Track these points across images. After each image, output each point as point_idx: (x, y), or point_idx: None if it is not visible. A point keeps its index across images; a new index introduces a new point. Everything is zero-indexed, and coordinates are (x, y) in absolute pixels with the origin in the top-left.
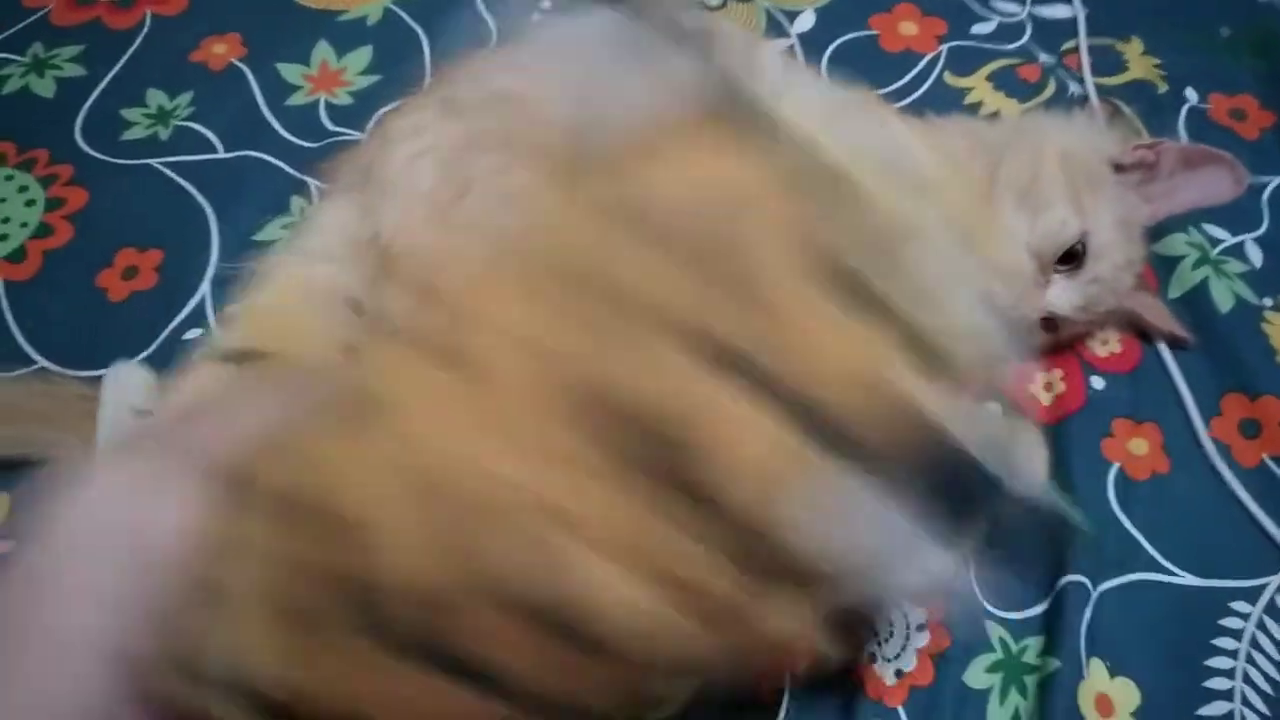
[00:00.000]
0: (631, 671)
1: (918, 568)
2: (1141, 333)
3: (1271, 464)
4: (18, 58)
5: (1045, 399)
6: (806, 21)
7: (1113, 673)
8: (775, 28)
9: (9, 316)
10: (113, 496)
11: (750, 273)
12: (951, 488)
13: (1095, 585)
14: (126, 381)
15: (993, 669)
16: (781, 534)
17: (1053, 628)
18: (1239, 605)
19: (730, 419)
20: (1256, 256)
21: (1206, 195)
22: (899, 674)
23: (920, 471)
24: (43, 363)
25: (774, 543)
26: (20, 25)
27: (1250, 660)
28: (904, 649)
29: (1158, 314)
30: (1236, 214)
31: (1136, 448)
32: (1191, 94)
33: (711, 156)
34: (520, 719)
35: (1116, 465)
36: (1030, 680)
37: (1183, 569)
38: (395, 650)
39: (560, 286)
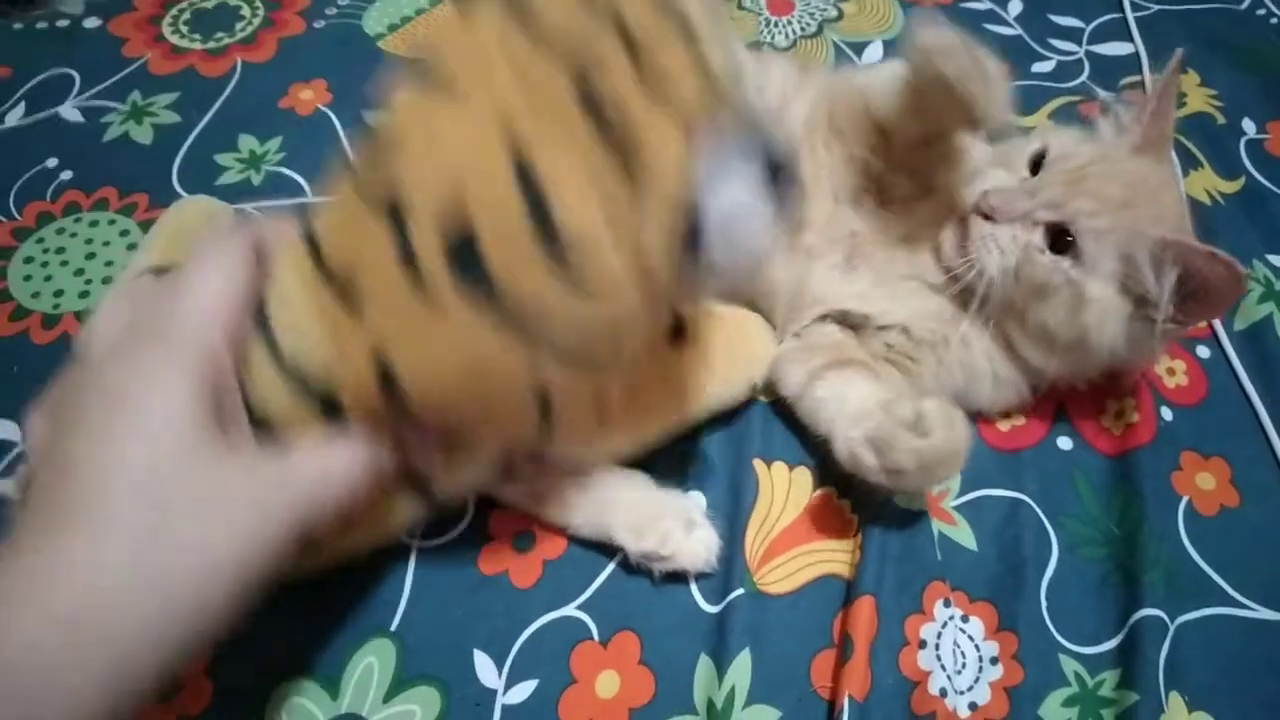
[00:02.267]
0: (599, 313)
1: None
2: None
3: None
4: (118, 105)
5: (1116, 428)
6: (874, 53)
7: (1191, 707)
8: (844, 61)
9: None
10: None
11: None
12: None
13: (1172, 619)
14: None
15: (1069, 703)
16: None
17: (1129, 661)
18: None
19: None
20: None
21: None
22: (972, 706)
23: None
24: None
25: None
26: (120, 75)
27: None
28: (977, 681)
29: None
30: None
31: (1204, 482)
32: (1249, 125)
33: None
34: (545, 361)
35: (1186, 499)
36: (1108, 714)
37: (1258, 603)
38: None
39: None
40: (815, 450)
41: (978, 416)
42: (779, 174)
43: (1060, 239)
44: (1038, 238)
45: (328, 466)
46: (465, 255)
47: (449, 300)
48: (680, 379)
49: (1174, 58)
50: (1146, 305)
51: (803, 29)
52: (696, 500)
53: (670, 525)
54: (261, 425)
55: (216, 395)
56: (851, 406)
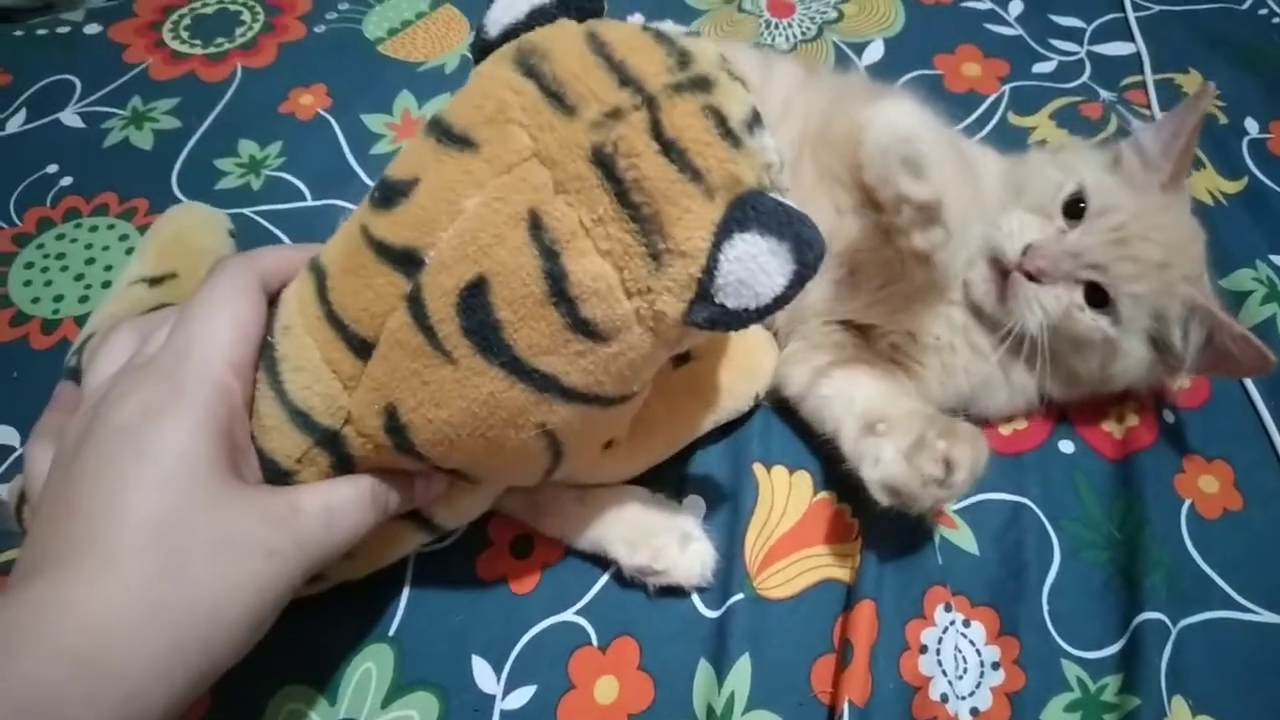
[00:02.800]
0: (610, 357)
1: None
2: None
3: None
4: (119, 111)
5: (1118, 432)
6: (875, 52)
7: (1195, 711)
8: (844, 61)
9: None
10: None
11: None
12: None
13: (1174, 622)
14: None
15: (1071, 708)
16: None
17: (1131, 665)
18: None
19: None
20: None
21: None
22: (974, 712)
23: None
24: None
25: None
26: (121, 80)
27: None
28: (978, 687)
29: (1240, 339)
30: None
31: (1207, 485)
32: (1252, 124)
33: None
34: (553, 404)
35: (1189, 501)
36: (1110, 719)
37: (1262, 606)
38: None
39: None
40: (817, 453)
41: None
42: (797, 242)
43: (1097, 291)
44: (1078, 296)
45: (333, 507)
46: (475, 304)
47: (458, 347)
48: (685, 398)
49: (1205, 92)
50: (1168, 352)
51: (803, 33)
52: (695, 510)
53: (665, 540)
54: (266, 462)
55: (228, 432)
56: (859, 406)
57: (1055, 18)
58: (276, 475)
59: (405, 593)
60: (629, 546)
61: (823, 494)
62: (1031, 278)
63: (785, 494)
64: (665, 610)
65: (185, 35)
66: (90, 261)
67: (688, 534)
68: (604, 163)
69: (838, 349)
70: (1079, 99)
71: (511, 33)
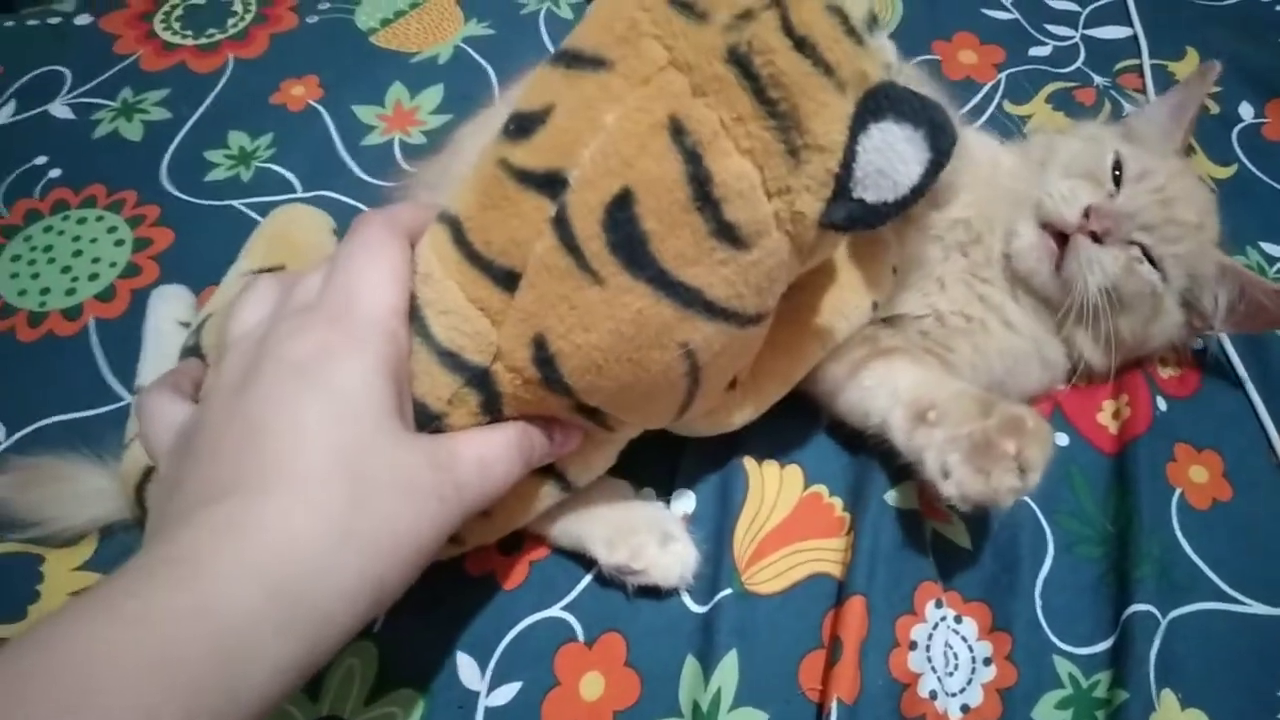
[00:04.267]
0: (750, 264)
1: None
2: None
3: None
4: (109, 102)
5: (1113, 427)
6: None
7: (1184, 704)
8: None
9: (98, 354)
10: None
11: None
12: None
13: (1164, 614)
14: (172, 299)
15: (1062, 705)
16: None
17: (1121, 659)
18: None
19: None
20: None
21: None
22: (964, 709)
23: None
24: (128, 399)
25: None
26: (111, 71)
27: None
28: (969, 683)
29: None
30: None
31: (1197, 475)
32: (1247, 110)
33: None
34: (697, 320)
35: (1179, 491)
36: (1102, 715)
37: (1251, 597)
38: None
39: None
40: (808, 447)
41: None
42: (932, 128)
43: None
44: (1136, 251)
45: (485, 455)
46: (622, 217)
47: (605, 265)
48: (792, 332)
49: (1211, 68)
50: (1196, 313)
51: None
52: (684, 507)
53: (644, 538)
54: (417, 407)
55: (397, 376)
56: (905, 394)
57: (1051, 1)
58: (426, 419)
59: None
60: (608, 545)
61: (814, 488)
62: (1096, 238)
63: (776, 488)
64: (652, 606)
65: (177, 26)
66: (77, 254)
67: (669, 533)
68: (740, 61)
69: (869, 342)
70: (1073, 84)
71: None
